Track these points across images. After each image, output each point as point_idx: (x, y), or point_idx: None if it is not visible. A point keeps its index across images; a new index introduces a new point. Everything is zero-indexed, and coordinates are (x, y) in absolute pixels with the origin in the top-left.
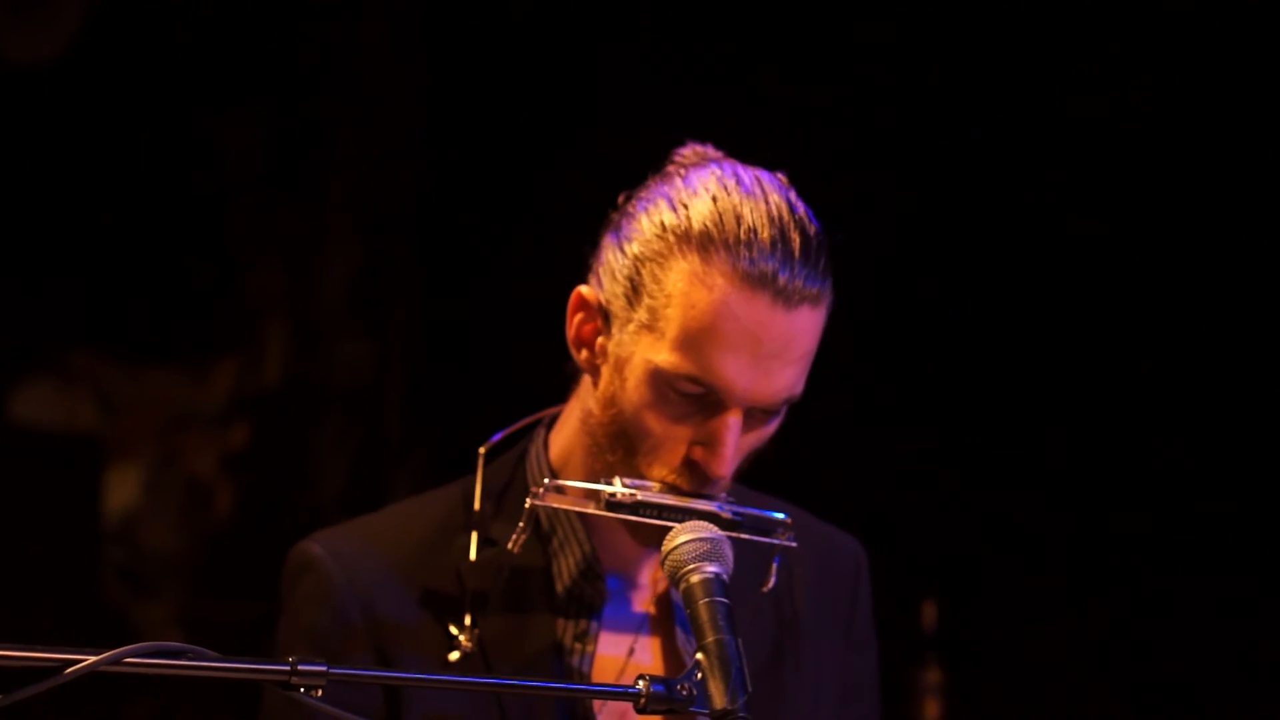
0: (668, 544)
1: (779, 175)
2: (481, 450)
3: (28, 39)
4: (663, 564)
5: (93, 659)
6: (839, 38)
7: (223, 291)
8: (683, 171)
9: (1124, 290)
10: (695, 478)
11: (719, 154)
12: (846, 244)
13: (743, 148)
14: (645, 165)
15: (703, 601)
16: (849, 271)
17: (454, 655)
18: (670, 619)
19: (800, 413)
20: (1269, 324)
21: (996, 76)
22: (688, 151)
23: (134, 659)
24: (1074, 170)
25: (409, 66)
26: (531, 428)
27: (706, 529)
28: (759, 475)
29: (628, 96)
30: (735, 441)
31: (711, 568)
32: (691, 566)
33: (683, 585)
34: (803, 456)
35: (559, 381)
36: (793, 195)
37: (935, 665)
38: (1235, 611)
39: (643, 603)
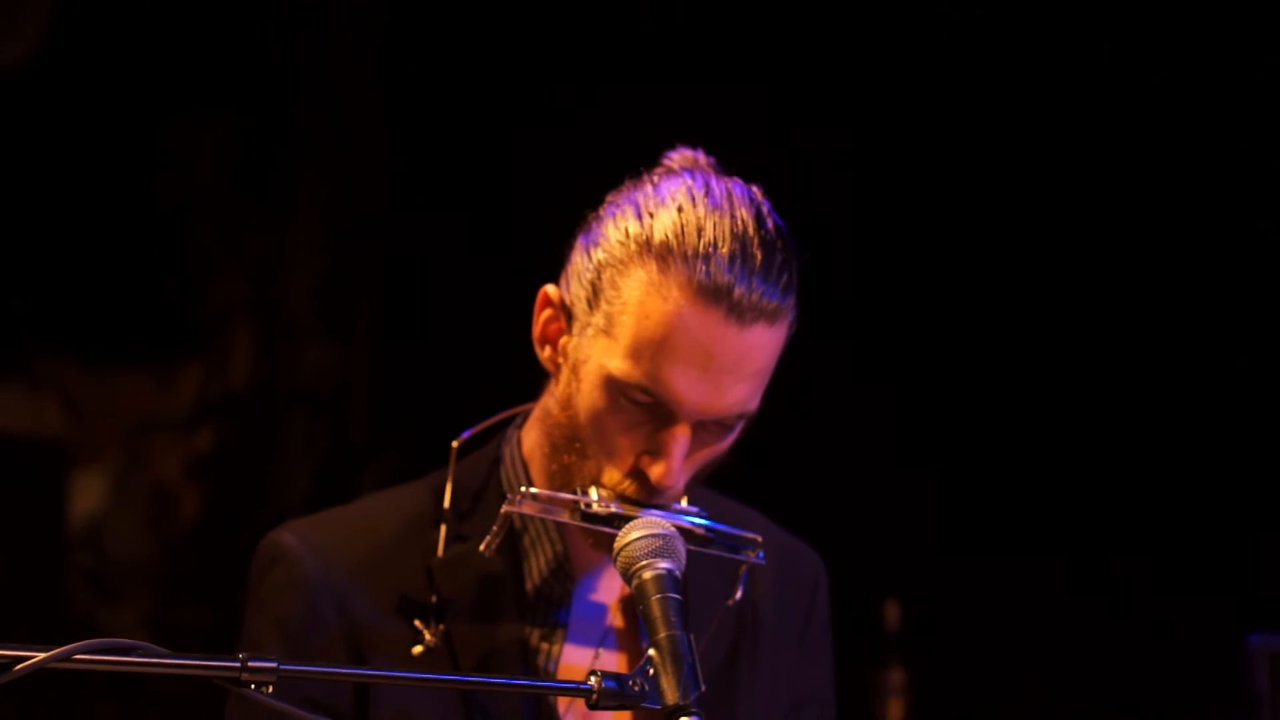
0: (620, 540)
1: (754, 188)
2: (454, 445)
3: None
4: (615, 560)
5: (42, 655)
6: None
7: (188, 296)
8: (655, 179)
9: (1091, 299)
10: (644, 486)
11: (709, 160)
12: (811, 257)
13: (724, 152)
14: (612, 174)
15: (655, 598)
16: (813, 279)
17: (417, 649)
18: (638, 622)
19: (761, 412)
20: (1234, 339)
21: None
22: (676, 155)
23: (83, 655)
24: (1068, 190)
25: (374, 75)
26: (503, 425)
27: (659, 525)
28: (723, 474)
29: (593, 107)
30: (682, 454)
31: (664, 564)
32: (644, 562)
33: (635, 581)
34: (764, 455)
35: (524, 385)
36: (764, 210)
37: (898, 666)
38: (1197, 612)
39: (612, 605)
